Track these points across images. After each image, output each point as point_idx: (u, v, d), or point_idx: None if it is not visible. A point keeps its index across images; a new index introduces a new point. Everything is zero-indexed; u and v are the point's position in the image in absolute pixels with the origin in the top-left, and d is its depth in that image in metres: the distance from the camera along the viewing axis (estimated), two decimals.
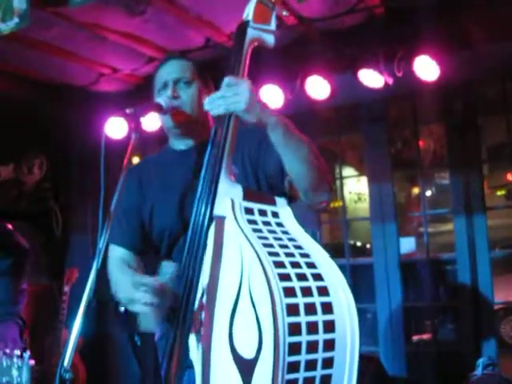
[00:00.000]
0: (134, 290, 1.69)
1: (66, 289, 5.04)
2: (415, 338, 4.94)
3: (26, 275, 2.71)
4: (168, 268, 1.71)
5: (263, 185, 1.96)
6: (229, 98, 1.68)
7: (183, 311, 1.63)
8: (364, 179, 5.52)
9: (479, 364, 3.88)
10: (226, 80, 1.72)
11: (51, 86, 4.89)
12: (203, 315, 1.59)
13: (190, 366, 1.64)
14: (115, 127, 4.57)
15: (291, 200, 1.88)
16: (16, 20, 2.95)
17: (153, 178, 2.11)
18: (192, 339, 1.63)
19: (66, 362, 1.57)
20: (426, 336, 4.93)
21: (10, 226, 2.82)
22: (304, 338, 1.43)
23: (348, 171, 6.25)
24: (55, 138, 5.36)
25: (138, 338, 4.88)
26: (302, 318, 1.44)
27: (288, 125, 1.76)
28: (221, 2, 3.70)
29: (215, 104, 1.70)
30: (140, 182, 2.11)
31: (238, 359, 1.47)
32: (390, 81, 4.11)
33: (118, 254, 2.08)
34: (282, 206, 1.71)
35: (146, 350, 4.69)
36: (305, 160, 1.77)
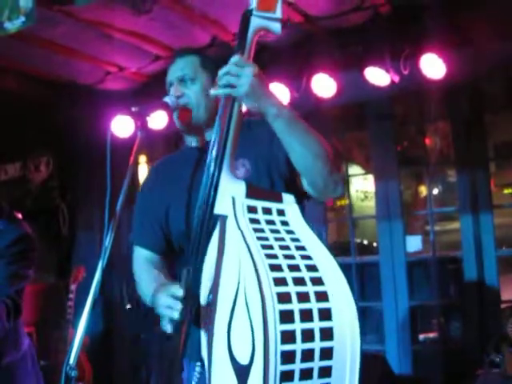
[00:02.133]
0: (171, 300, 1.68)
1: (73, 287, 5.05)
2: (421, 336, 4.93)
3: (31, 262, 2.72)
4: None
5: (276, 179, 1.90)
6: (233, 77, 1.64)
7: (186, 309, 1.64)
8: (370, 177, 5.51)
9: (485, 362, 3.87)
10: (234, 58, 1.67)
11: (57, 85, 4.91)
12: (208, 316, 1.58)
13: (202, 363, 1.64)
14: (121, 125, 4.57)
15: (307, 198, 1.85)
16: (22, 19, 2.96)
17: (169, 178, 2.09)
18: (203, 337, 1.63)
19: (72, 359, 1.58)
20: (432, 334, 4.91)
21: (19, 215, 2.85)
22: (299, 347, 1.36)
23: (354, 169, 6.23)
24: (61, 136, 5.38)
25: (145, 334, 4.91)
26: (297, 326, 1.37)
27: (292, 115, 1.71)
28: (227, 1, 3.70)
29: (220, 80, 1.67)
30: (159, 182, 2.10)
31: (235, 364, 1.43)
32: (396, 79, 4.10)
33: (142, 255, 2.08)
34: (289, 204, 1.62)
35: (152, 347, 4.71)
36: (310, 150, 1.72)
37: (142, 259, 2.07)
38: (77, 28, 3.98)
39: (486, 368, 3.84)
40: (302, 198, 1.78)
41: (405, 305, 4.79)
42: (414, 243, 5.45)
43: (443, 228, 5.91)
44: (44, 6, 3.47)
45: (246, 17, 1.74)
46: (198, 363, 1.66)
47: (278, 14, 1.72)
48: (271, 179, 1.91)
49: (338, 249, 5.75)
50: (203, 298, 1.62)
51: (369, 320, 5.03)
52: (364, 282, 5.07)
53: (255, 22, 1.73)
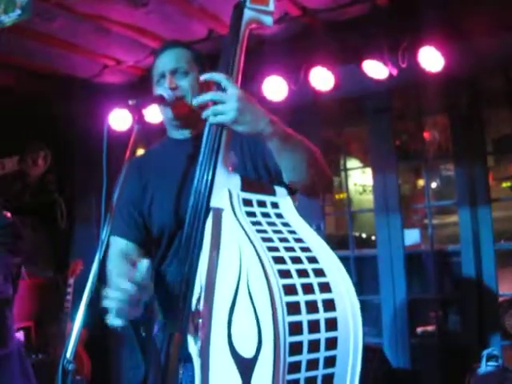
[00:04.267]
0: (109, 289, 1.61)
1: (71, 280, 5.05)
2: (419, 329, 4.94)
3: (18, 250, 2.73)
4: (142, 267, 1.65)
5: (263, 175, 1.92)
6: (217, 107, 1.62)
7: (180, 305, 1.62)
8: (369, 171, 5.50)
9: (483, 356, 3.87)
10: (219, 77, 1.65)
11: (55, 78, 4.89)
12: (201, 310, 1.57)
13: (190, 360, 1.62)
14: (119, 119, 4.57)
15: (292, 191, 1.86)
16: (18, 12, 2.95)
17: (152, 170, 2.09)
18: (190, 334, 1.61)
19: (69, 353, 1.57)
20: (430, 328, 4.92)
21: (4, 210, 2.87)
22: (305, 338, 1.38)
23: (353, 163, 6.23)
24: (59, 129, 5.37)
25: (144, 328, 4.90)
26: (304, 317, 1.39)
27: (283, 130, 1.69)
28: None
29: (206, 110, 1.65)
30: (141, 174, 2.09)
31: (237, 358, 1.43)
32: (395, 72, 4.09)
33: (118, 246, 2.03)
34: (282, 196, 1.66)
35: (150, 341, 4.71)
36: (302, 161, 1.73)
37: (117, 251, 2.01)
38: (74, 21, 3.96)
39: (483, 362, 3.85)
40: (288, 191, 1.78)
41: (403, 298, 4.79)
42: (412, 237, 5.44)
43: (441, 221, 5.91)
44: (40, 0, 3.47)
45: (239, 9, 1.74)
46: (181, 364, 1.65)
47: (271, 7, 1.74)
48: (258, 173, 1.93)
49: (336, 242, 5.75)
50: (196, 293, 1.61)
51: (366, 313, 5.02)
52: (362, 275, 5.07)
53: (248, 15, 1.74)
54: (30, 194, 5.55)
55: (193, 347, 1.60)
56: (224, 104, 1.61)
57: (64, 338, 4.88)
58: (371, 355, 4.10)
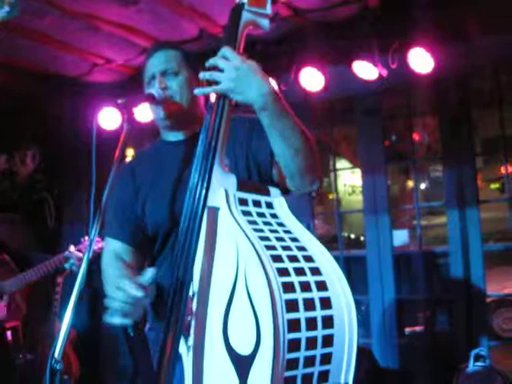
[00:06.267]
0: (114, 290, 1.63)
1: (59, 280, 5.02)
2: (408, 330, 4.96)
3: None
4: (149, 273, 1.66)
5: (254, 175, 1.93)
6: (217, 72, 1.64)
7: (175, 304, 1.60)
8: (358, 171, 5.52)
9: (471, 356, 3.89)
10: (223, 50, 1.66)
11: (44, 77, 4.87)
12: (195, 309, 1.57)
13: (179, 359, 1.61)
14: (108, 118, 4.55)
15: (283, 191, 1.85)
16: (6, 9, 2.93)
17: (146, 172, 2.09)
18: (182, 333, 1.60)
19: (57, 353, 1.57)
20: (418, 328, 4.94)
21: None
22: (303, 335, 1.40)
23: (342, 163, 6.25)
24: (48, 128, 5.34)
25: (132, 329, 4.89)
26: (301, 314, 1.41)
27: (279, 107, 1.68)
28: None
29: (205, 75, 1.67)
30: (134, 176, 2.09)
31: (233, 355, 1.43)
32: (384, 73, 4.11)
33: (112, 247, 2.04)
34: (276, 197, 1.67)
35: (138, 341, 4.70)
36: (292, 144, 1.71)
37: (112, 253, 2.03)
38: (64, 19, 3.94)
39: (470, 362, 3.87)
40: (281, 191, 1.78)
41: (391, 299, 4.80)
42: (401, 237, 5.47)
43: (430, 222, 5.95)
44: None
45: (237, 10, 1.75)
46: None
47: (268, 10, 1.75)
48: (249, 173, 1.93)
49: (325, 242, 5.76)
50: (190, 291, 1.60)
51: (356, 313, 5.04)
52: (351, 275, 5.08)
53: (246, 17, 1.75)
54: (18, 192, 5.53)
55: (183, 346, 1.60)
56: (223, 72, 1.63)
57: (52, 337, 4.85)
58: (359, 355, 4.10)
